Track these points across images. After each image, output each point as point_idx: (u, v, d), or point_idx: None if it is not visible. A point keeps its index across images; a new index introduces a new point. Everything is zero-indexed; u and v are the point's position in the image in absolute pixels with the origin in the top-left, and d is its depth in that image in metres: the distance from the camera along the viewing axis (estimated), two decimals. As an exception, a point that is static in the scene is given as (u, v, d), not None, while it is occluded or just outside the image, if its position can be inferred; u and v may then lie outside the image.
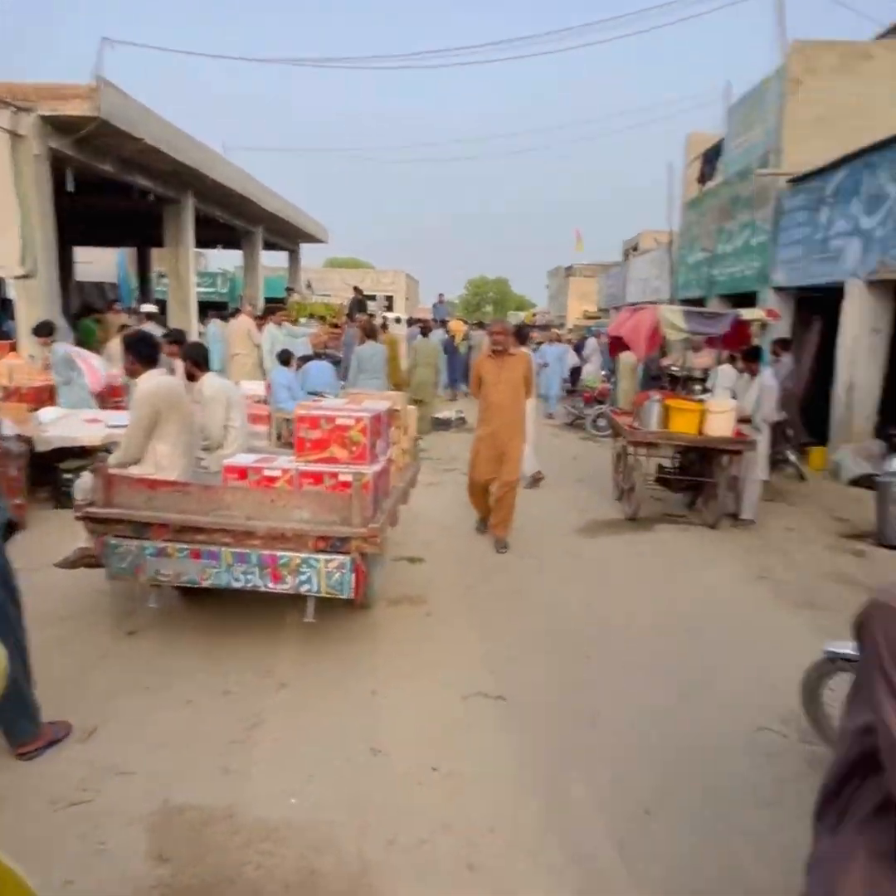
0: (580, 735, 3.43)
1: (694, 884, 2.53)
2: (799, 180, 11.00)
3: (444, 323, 19.50)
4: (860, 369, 9.41)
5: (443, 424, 12.27)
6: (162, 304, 14.29)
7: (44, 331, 8.14)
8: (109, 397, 8.03)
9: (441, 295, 24.73)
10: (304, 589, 3.83)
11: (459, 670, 3.99)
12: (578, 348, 17.06)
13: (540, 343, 15.77)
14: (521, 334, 7.23)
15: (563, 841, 2.73)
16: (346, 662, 4.01)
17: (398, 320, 19.51)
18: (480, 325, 19.04)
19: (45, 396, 7.55)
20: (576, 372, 15.58)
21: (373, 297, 31.14)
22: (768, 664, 4.13)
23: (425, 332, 13.01)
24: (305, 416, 4.02)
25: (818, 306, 11.11)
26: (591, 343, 16.13)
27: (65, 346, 7.82)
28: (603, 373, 14.33)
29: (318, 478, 3.84)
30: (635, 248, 29.29)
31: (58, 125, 8.97)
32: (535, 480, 8.30)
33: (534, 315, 44.36)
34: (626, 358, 10.47)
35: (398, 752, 3.21)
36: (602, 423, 11.99)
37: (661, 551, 6.37)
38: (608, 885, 2.52)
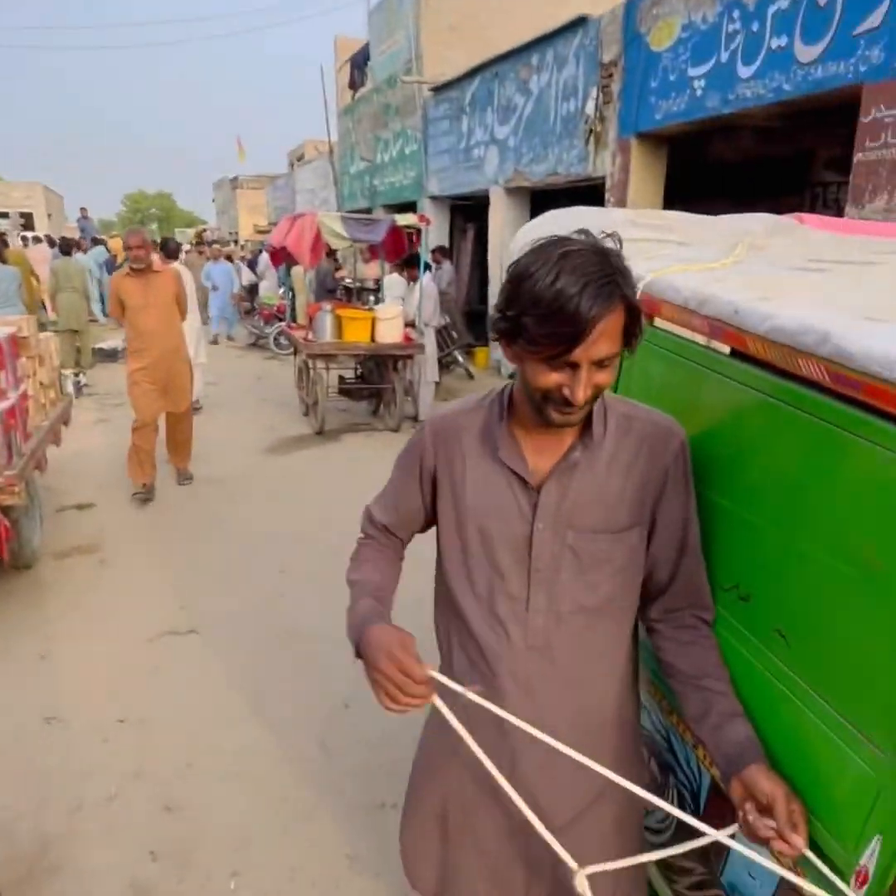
0: (278, 649, 3.45)
1: (391, 761, 2.69)
2: (440, 89, 11.25)
3: (100, 241, 17.27)
4: (508, 272, 10.34)
5: (107, 355, 11.06)
6: None
7: None
8: None
9: (83, 209, 21.62)
10: (-69, 561, 3.23)
11: (142, 613, 3.73)
12: (252, 265, 16.35)
13: (208, 259, 14.77)
14: (169, 248, 6.57)
15: (267, 754, 2.75)
16: (4, 631, 3.52)
17: (38, 240, 16.98)
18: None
19: None
20: (253, 289, 14.98)
21: (5, 215, 26.75)
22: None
23: (66, 250, 11.10)
24: None
25: (471, 213, 11.88)
26: (265, 258, 15.50)
27: None
28: (280, 289, 13.98)
29: (-76, 427, 3.18)
30: (301, 158, 28.45)
31: None
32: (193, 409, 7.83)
33: (204, 231, 41.34)
34: (298, 271, 10.26)
35: (77, 714, 2.94)
36: (284, 340, 11.76)
37: (348, 460, 6.55)
38: (313, 781, 2.61)
